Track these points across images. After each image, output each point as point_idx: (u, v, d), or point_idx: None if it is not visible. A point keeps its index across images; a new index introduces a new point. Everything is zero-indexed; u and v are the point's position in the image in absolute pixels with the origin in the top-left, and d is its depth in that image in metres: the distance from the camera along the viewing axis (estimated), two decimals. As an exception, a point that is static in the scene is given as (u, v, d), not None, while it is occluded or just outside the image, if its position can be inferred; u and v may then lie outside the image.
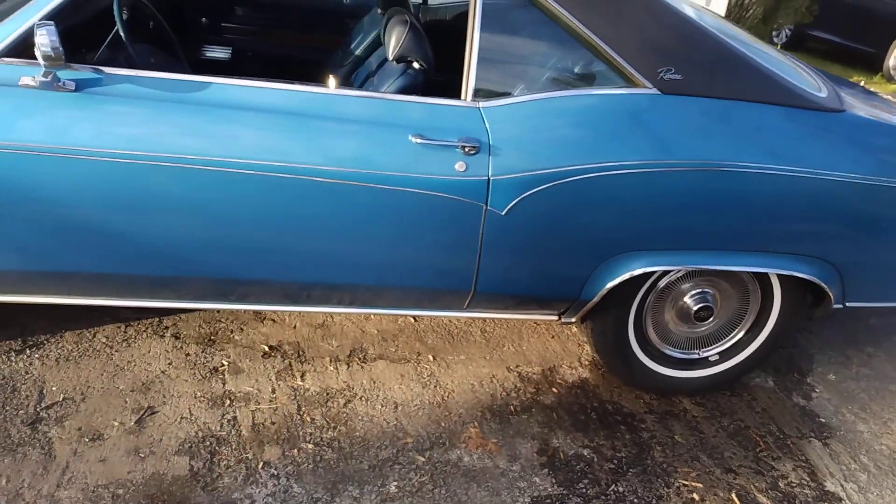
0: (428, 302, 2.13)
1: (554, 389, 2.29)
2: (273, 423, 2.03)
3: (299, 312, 2.50)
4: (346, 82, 2.69)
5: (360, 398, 2.17)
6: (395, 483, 1.89)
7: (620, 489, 1.95)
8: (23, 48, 1.69)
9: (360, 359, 2.33)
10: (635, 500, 1.92)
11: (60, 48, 1.58)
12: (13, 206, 1.74)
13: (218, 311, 2.46)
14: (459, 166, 1.84)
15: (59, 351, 2.20)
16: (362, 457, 1.96)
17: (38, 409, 1.98)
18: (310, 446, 1.97)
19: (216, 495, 1.79)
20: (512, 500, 1.88)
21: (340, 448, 1.98)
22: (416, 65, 2.09)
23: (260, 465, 1.89)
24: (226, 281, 2.01)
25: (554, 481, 1.95)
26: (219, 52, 3.18)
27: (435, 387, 2.25)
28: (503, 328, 2.57)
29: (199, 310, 2.43)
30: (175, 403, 2.06)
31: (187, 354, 2.26)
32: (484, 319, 2.59)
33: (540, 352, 2.46)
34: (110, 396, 2.06)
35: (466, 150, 1.83)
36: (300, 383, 2.20)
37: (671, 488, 1.97)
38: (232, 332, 2.38)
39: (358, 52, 2.71)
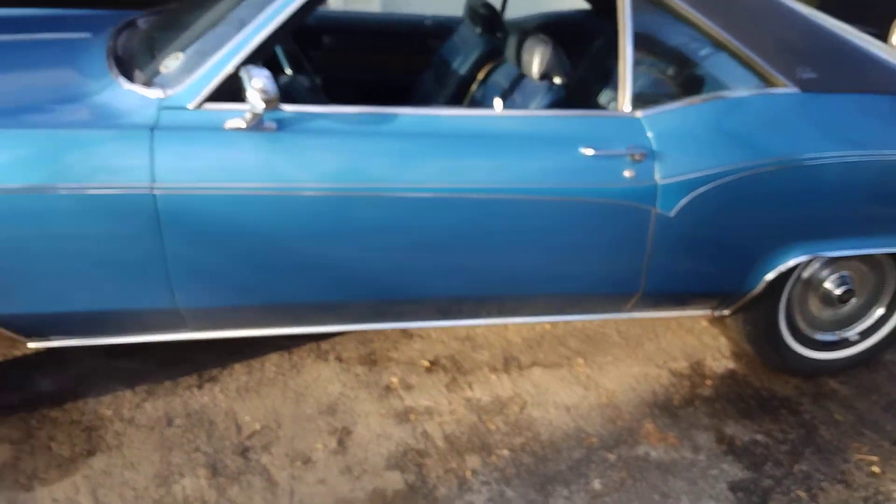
0: (591, 306, 2.24)
1: (707, 381, 2.40)
2: (462, 434, 2.12)
3: (443, 327, 2.59)
4: (455, 101, 2.79)
5: (532, 404, 2.26)
6: (599, 480, 1.99)
7: (804, 468, 2.06)
8: (220, 92, 1.75)
9: (516, 367, 2.43)
10: (821, 478, 2.04)
11: (277, 91, 1.65)
12: (225, 245, 1.82)
13: (369, 331, 2.54)
14: (628, 173, 1.95)
15: (235, 383, 2.27)
16: (557, 458, 2.06)
17: (241, 440, 2.05)
18: (505, 452, 2.06)
19: (439, 506, 1.88)
20: (710, 487, 1.99)
21: (534, 452, 2.07)
22: (557, 80, 2.20)
23: (468, 474, 1.98)
24: (390, 301, 2.09)
25: (741, 466, 2.06)
26: (309, 80, 3.26)
27: (596, 388, 2.35)
28: (637, 327, 2.68)
29: (355, 331, 2.52)
30: (365, 423, 2.14)
31: (356, 375, 2.34)
32: (616, 320, 2.70)
33: (680, 347, 2.57)
34: (302, 421, 2.13)
35: (635, 157, 1.95)
36: (471, 394, 2.28)
37: (850, 463, 2.09)
38: (388, 350, 2.46)
39: (463, 71, 2.80)
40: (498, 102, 2.22)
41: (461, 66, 2.81)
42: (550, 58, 2.12)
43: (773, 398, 2.34)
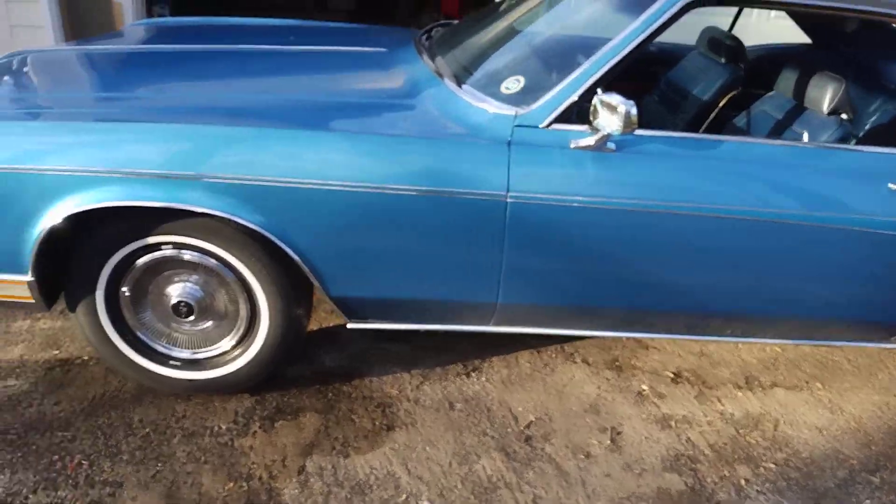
0: (842, 333, 2.31)
1: (955, 416, 2.44)
2: (725, 445, 2.22)
3: (675, 341, 2.71)
4: (694, 125, 2.88)
5: (784, 423, 2.34)
6: (868, 501, 2.06)
7: None
8: (565, 114, 1.92)
9: (758, 386, 2.51)
10: None
11: (636, 116, 1.79)
12: (556, 250, 1.96)
13: (607, 338, 2.68)
14: None
15: (497, 375, 2.44)
16: (823, 476, 2.14)
17: (521, 429, 2.21)
18: (771, 466, 2.16)
19: (724, 509, 1.98)
20: None
21: (798, 468, 2.16)
22: (844, 116, 2.28)
23: (742, 482, 2.08)
24: (661, 312, 2.20)
25: None
26: None
27: (842, 412, 2.42)
28: (865, 356, 2.72)
29: (596, 337, 2.66)
30: (630, 425, 2.27)
31: (607, 379, 2.47)
32: (842, 349, 2.76)
33: (916, 380, 2.61)
34: (571, 417, 2.28)
35: None
36: (722, 408, 2.39)
37: None
38: (629, 358, 2.59)
39: (706, 97, 2.91)
40: (805, 136, 2.31)
41: (704, 92, 2.91)
42: (842, 95, 2.21)
43: None
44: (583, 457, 2.12)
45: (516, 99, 1.95)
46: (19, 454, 1.96)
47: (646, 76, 3.35)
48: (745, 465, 2.14)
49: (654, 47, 3.59)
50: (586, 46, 1.96)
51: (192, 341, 2.14)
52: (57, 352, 2.38)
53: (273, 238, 1.86)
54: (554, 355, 2.57)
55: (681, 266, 2.04)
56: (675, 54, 3.27)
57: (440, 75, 2.17)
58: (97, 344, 2.08)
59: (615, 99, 1.78)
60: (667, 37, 3.07)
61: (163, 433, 2.07)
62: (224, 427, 2.11)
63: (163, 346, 2.14)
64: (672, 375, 2.52)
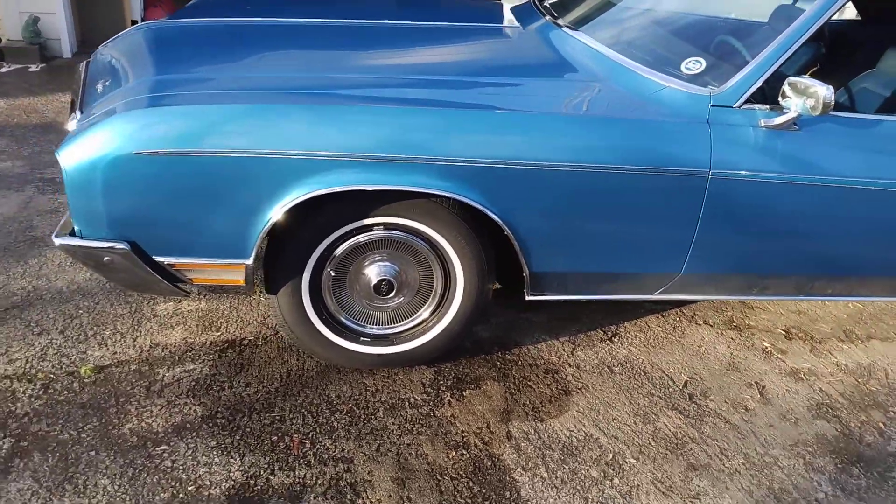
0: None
1: None
2: (852, 393, 2.48)
3: (772, 302, 2.96)
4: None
5: (892, 371, 2.63)
6: (984, 436, 2.38)
7: None
8: (754, 95, 2.06)
9: (857, 339, 2.79)
10: None
11: (832, 99, 1.94)
12: (745, 222, 2.12)
13: (718, 301, 2.89)
14: None
15: (636, 339, 2.61)
16: (940, 417, 2.45)
17: (680, 388, 2.39)
18: (896, 410, 2.45)
19: (875, 450, 2.23)
20: None
21: (920, 411, 2.46)
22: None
23: (881, 426, 2.34)
24: (807, 277, 2.40)
25: None
26: None
27: (934, 360, 2.74)
28: (933, 310, 3.06)
29: (710, 300, 2.87)
30: (769, 379, 2.50)
31: (732, 339, 2.69)
32: (912, 303, 3.08)
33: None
34: (717, 375, 2.48)
35: None
36: (836, 360, 2.64)
37: None
38: (742, 319, 2.82)
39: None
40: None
41: (788, 69, 3.11)
42: None
43: None
44: (743, 410, 2.33)
45: (702, 79, 2.08)
46: (238, 437, 1.99)
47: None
48: (876, 410, 2.41)
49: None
50: (762, 26, 2.10)
51: (386, 317, 2.20)
52: (218, 333, 2.38)
53: (494, 216, 1.93)
54: (678, 318, 2.76)
55: (846, 235, 2.24)
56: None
57: (602, 53, 2.27)
58: (293, 324, 2.10)
59: (810, 81, 1.93)
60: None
61: (365, 408, 2.14)
62: (419, 399, 2.19)
63: (356, 324, 2.19)
64: (784, 333, 2.76)
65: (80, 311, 2.43)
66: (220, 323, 2.43)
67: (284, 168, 1.79)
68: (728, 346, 2.64)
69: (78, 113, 2.01)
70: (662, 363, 2.50)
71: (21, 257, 2.73)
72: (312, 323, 2.12)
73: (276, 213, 1.82)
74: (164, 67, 2.13)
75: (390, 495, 1.86)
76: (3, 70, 5.14)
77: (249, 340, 2.36)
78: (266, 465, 1.91)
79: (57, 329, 2.34)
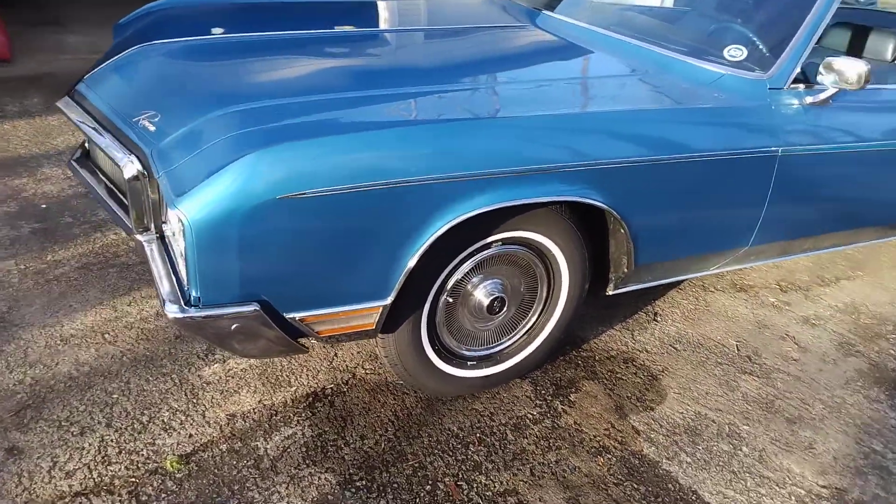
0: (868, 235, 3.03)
1: (944, 276, 3.34)
2: (857, 328, 2.80)
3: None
4: None
5: (869, 304, 3.01)
6: (959, 345, 2.82)
7: None
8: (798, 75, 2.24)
9: (831, 282, 3.16)
10: None
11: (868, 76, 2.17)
12: (803, 192, 2.30)
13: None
14: None
15: (675, 315, 2.74)
16: (923, 335, 2.85)
17: (737, 352, 2.56)
18: (893, 336, 2.81)
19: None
20: None
21: (906, 334, 2.85)
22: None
23: (892, 351, 2.69)
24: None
25: None
26: None
27: (888, 289, 3.18)
28: (861, 253, 3.55)
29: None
30: (793, 331, 2.74)
31: (745, 300, 2.91)
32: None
33: (904, 257, 3.49)
34: (754, 335, 2.68)
35: None
36: (828, 302, 2.97)
37: None
38: (740, 280, 3.07)
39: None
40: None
41: None
42: None
43: None
44: (793, 360, 2.55)
45: (747, 64, 2.22)
46: (390, 496, 1.79)
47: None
48: (882, 340, 2.76)
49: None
50: (786, 6, 2.30)
51: (490, 336, 2.10)
52: (293, 388, 2.12)
53: (616, 214, 1.93)
54: (696, 291, 2.94)
55: (873, 192, 2.52)
56: None
57: (643, 47, 2.34)
58: (407, 359, 1.94)
59: (848, 59, 2.16)
60: None
61: (492, 434, 2.03)
62: (536, 413, 2.13)
63: (468, 349, 2.07)
64: (778, 287, 3.06)
65: (115, 396, 2.03)
66: (287, 377, 2.17)
67: (439, 193, 1.63)
68: (746, 307, 2.86)
69: (135, 157, 1.67)
70: (709, 332, 2.65)
71: (-9, 346, 2.21)
72: (427, 356, 1.96)
73: (424, 244, 1.66)
74: (238, 95, 1.79)
75: (573, 516, 1.80)
76: None
77: (332, 389, 2.13)
78: (437, 518, 1.75)
79: (100, 423, 1.93)
